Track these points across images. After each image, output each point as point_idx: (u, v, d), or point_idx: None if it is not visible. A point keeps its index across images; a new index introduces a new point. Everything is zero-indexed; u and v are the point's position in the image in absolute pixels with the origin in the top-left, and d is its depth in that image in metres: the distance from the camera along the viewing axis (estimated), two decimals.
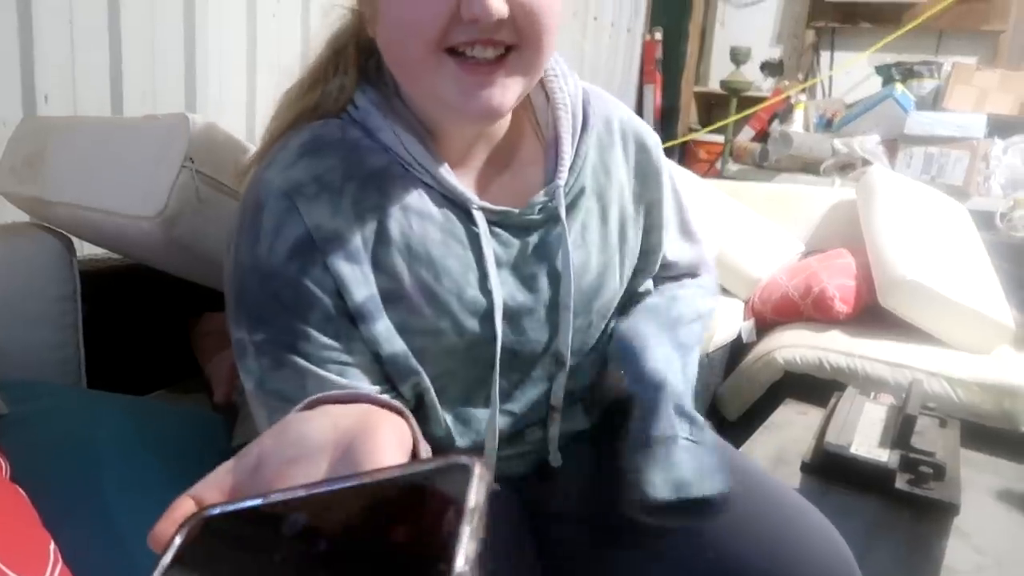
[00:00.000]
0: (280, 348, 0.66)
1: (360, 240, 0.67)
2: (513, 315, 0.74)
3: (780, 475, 1.51)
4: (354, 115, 0.71)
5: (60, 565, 0.68)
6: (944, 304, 1.89)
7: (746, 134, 3.29)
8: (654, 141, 0.83)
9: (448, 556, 0.27)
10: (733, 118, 3.27)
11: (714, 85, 3.69)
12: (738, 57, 3.38)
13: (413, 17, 0.62)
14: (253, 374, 0.67)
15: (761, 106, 3.32)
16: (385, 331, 0.69)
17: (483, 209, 0.71)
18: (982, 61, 3.26)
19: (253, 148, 1.18)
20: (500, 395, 0.74)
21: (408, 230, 0.69)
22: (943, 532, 1.07)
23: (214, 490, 0.37)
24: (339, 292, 0.67)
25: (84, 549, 0.75)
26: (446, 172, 0.70)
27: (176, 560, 0.33)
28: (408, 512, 0.31)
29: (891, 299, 1.95)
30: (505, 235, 0.73)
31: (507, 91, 0.66)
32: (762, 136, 3.20)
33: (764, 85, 3.56)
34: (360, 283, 0.67)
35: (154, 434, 0.97)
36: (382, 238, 0.68)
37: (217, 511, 0.35)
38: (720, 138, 3.37)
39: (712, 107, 3.77)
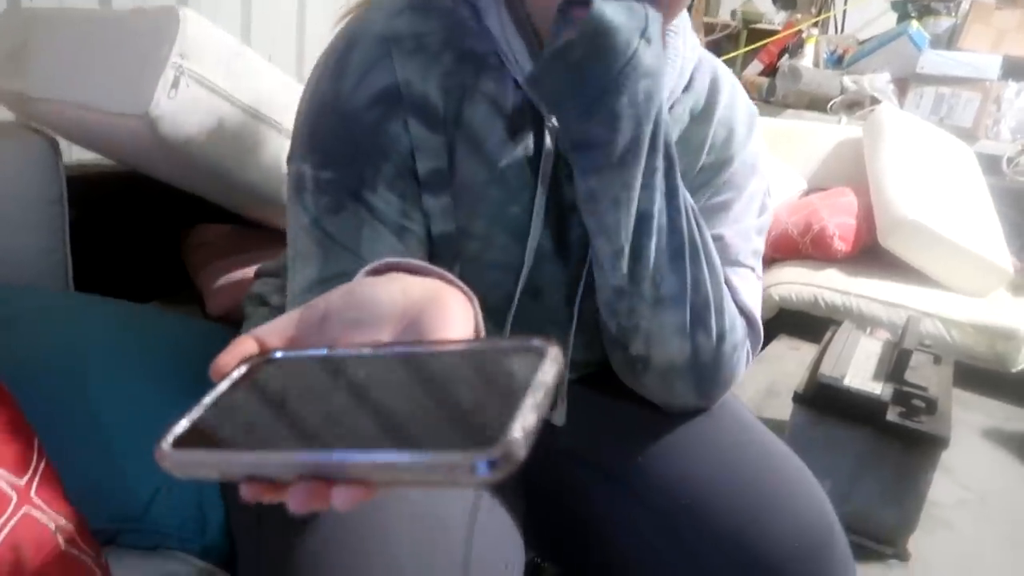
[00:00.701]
0: (344, 191, 0.65)
1: (442, 110, 0.66)
2: (543, 251, 0.71)
3: (771, 407, 1.53)
4: None
5: (44, 461, 0.67)
6: (944, 246, 1.88)
7: (755, 68, 3.21)
8: (741, 141, 0.78)
9: (504, 423, 0.26)
10: (743, 50, 3.19)
11: (725, 15, 3.58)
12: None
13: None
14: (309, 211, 0.66)
15: (772, 39, 3.23)
16: (442, 207, 0.68)
17: (557, 132, 0.67)
18: (1002, 1, 3.16)
19: (248, 48, 1.14)
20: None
21: (481, 122, 0.67)
22: (930, 465, 1.08)
23: (276, 337, 0.37)
24: (412, 154, 0.66)
25: (69, 446, 0.74)
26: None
27: (232, 390, 0.34)
28: (475, 384, 0.31)
29: (891, 239, 1.94)
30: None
31: None
32: (771, 70, 3.12)
33: (776, 18, 3.46)
34: (433, 152, 0.66)
35: (145, 337, 0.96)
36: (459, 119, 0.67)
37: (280, 355, 0.36)
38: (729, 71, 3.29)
39: (721, 39, 3.67)
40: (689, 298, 0.69)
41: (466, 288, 0.42)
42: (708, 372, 0.73)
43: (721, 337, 0.71)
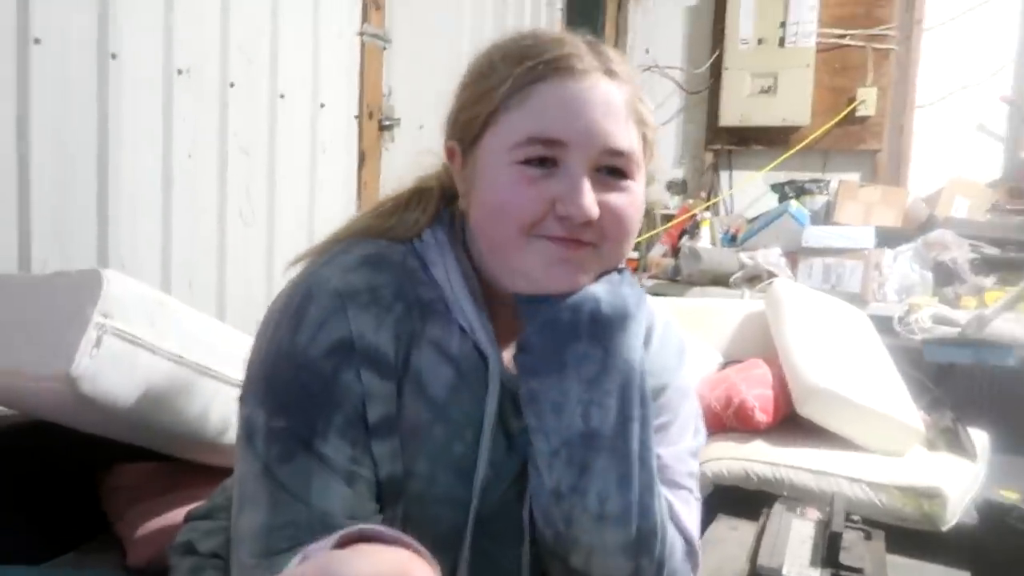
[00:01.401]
0: (296, 440, 0.66)
1: (393, 359, 0.69)
2: (491, 480, 0.74)
3: None
4: (417, 247, 0.75)
5: None
6: (856, 410, 1.96)
7: (659, 250, 3.44)
8: (673, 369, 0.86)
9: None
10: (646, 235, 3.43)
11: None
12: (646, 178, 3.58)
13: (512, 204, 0.68)
14: (260, 457, 0.67)
15: (671, 224, 3.49)
16: (390, 451, 0.70)
17: (504, 372, 0.74)
18: (864, 177, 3.55)
19: (168, 296, 1.17)
20: (467, 565, 0.73)
21: (426, 366, 0.71)
22: None
23: None
24: (363, 402, 0.68)
25: None
26: (481, 324, 0.73)
27: None
28: None
29: (806, 408, 2.02)
30: (516, 398, 0.75)
31: (584, 274, 0.72)
32: (675, 251, 3.35)
33: (671, 203, 3.76)
34: (383, 399, 0.69)
35: None
36: (407, 364, 0.70)
37: None
38: (635, 254, 3.51)
39: None
40: (636, 522, 0.71)
41: (430, 558, 0.45)
42: None
43: (661, 564, 0.73)
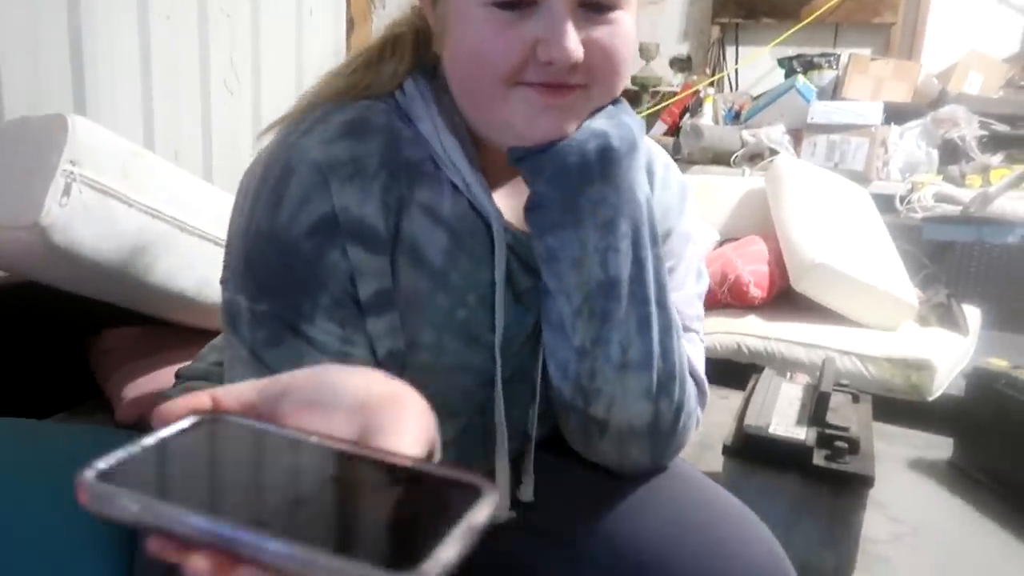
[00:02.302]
0: (281, 324, 0.64)
1: (383, 230, 0.66)
2: (505, 343, 0.71)
3: (704, 460, 1.53)
4: (400, 100, 0.70)
5: None
6: (852, 285, 1.96)
7: (659, 128, 3.34)
8: (676, 213, 0.81)
9: (426, 552, 0.27)
10: (646, 112, 3.32)
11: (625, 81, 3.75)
12: (647, 54, 3.44)
13: (487, 52, 0.62)
14: (246, 342, 0.65)
15: (672, 101, 3.38)
16: (388, 326, 0.67)
17: (506, 230, 0.69)
18: (876, 52, 3.41)
19: (148, 151, 1.12)
20: (472, 426, 0.72)
21: (419, 233, 0.67)
22: (860, 505, 1.10)
23: (233, 399, 0.37)
24: (352, 279, 0.65)
25: None
26: (477, 180, 0.68)
27: (172, 439, 0.34)
28: (409, 505, 0.31)
29: (802, 282, 2.01)
30: (520, 256, 0.71)
31: (572, 122, 0.66)
32: (674, 130, 3.26)
33: (674, 80, 3.63)
34: (375, 275, 0.66)
35: (51, 456, 0.90)
36: (398, 234, 0.66)
37: (231, 418, 0.36)
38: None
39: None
40: (656, 366, 0.70)
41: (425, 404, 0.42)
42: (664, 439, 0.74)
43: (680, 406, 0.72)
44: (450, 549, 0.28)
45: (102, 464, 0.31)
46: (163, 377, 1.17)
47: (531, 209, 0.68)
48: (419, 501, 0.31)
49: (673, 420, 0.72)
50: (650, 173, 0.79)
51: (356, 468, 0.33)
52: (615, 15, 0.64)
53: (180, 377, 0.95)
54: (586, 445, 0.75)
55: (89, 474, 0.30)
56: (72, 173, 0.92)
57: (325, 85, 0.73)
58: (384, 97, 0.71)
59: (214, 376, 0.89)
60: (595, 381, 0.70)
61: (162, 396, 0.94)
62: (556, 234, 0.67)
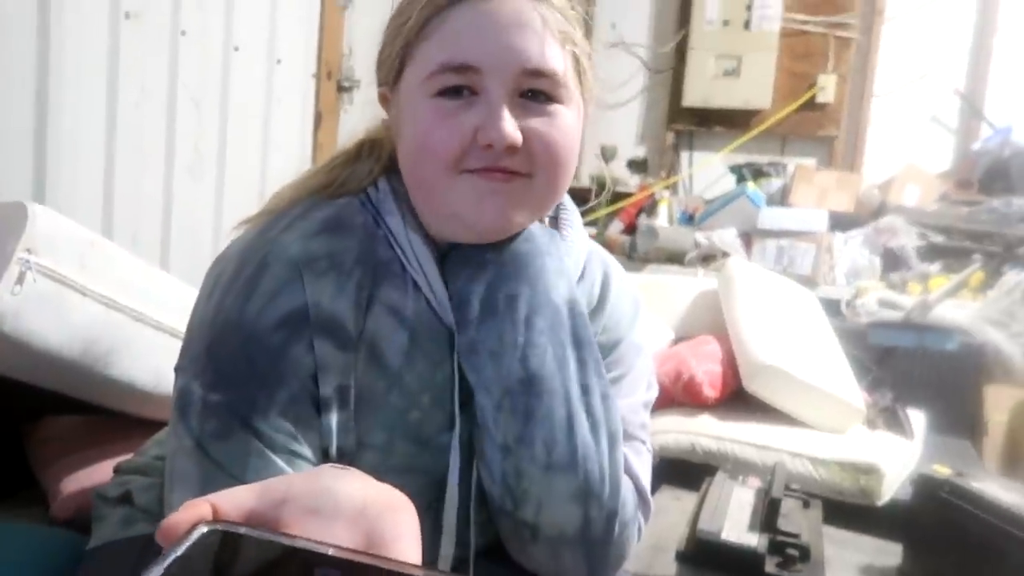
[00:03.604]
0: (233, 416, 0.63)
1: (352, 327, 0.66)
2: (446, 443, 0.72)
3: (657, 564, 1.51)
4: (372, 196, 0.72)
5: None
6: (802, 388, 2.00)
7: (616, 227, 3.44)
8: (628, 324, 0.83)
9: None
10: (604, 211, 3.42)
11: (585, 181, 3.87)
12: (606, 155, 3.57)
13: (431, 140, 0.65)
14: (192, 432, 0.63)
15: (628, 201, 3.50)
16: (343, 423, 0.67)
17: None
18: (821, 163, 3.60)
19: (105, 239, 1.12)
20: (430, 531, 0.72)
21: (381, 331, 0.68)
22: None
23: (233, 507, 0.36)
24: (315, 376, 0.65)
25: None
26: (438, 282, 0.70)
27: (194, 558, 0.33)
28: None
29: (753, 384, 2.05)
30: None
31: (517, 208, 0.68)
32: (631, 229, 3.35)
33: (631, 181, 3.76)
34: (338, 371, 0.66)
35: None
36: (363, 332, 0.67)
37: (242, 531, 0.34)
38: (593, 230, 3.51)
39: (585, 201, 3.94)
40: (582, 468, 0.70)
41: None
42: (598, 547, 0.73)
43: (612, 514, 0.72)
44: None
45: None
46: (102, 472, 1.13)
47: (456, 306, 0.70)
48: None
49: (605, 527, 0.72)
50: (605, 284, 0.82)
51: None
52: (554, 108, 0.67)
53: (118, 471, 0.92)
54: (520, 551, 0.75)
55: None
56: (28, 262, 0.91)
57: (305, 180, 0.76)
58: (358, 195, 0.73)
59: (153, 470, 0.87)
60: (522, 482, 0.70)
61: (99, 493, 0.90)
62: (475, 327, 0.69)
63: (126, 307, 1.05)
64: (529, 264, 0.70)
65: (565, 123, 0.68)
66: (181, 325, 1.16)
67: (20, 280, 0.90)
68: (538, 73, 0.65)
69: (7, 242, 0.91)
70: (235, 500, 0.37)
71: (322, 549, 0.34)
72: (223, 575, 0.33)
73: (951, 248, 2.79)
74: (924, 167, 3.30)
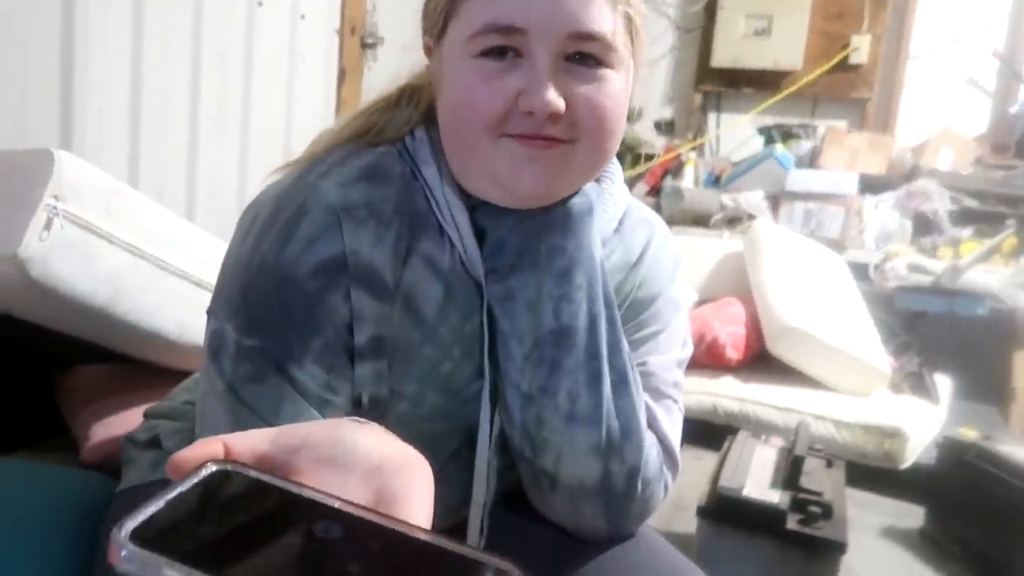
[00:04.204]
0: (267, 361, 0.63)
1: (390, 278, 0.66)
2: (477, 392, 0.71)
3: (678, 522, 1.52)
4: (408, 145, 0.71)
5: None
6: (826, 351, 1.98)
7: (640, 189, 3.40)
8: (667, 279, 0.81)
9: None
10: (629, 173, 3.39)
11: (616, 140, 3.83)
12: (632, 116, 3.52)
13: (472, 101, 0.63)
14: (225, 375, 0.63)
15: (654, 162, 3.45)
16: (376, 372, 0.67)
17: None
18: (852, 125, 3.51)
19: (130, 188, 1.12)
20: (446, 474, 0.72)
21: (418, 283, 0.68)
22: (832, 571, 1.09)
23: (246, 448, 0.36)
24: (350, 325, 0.65)
25: None
26: (470, 235, 0.69)
27: (197, 494, 0.32)
28: None
29: (778, 346, 2.03)
30: None
31: (559, 176, 0.66)
32: (656, 191, 3.31)
33: (657, 143, 3.70)
34: (374, 321, 0.65)
35: (6, 491, 0.88)
36: (400, 283, 0.66)
37: (255, 474, 0.34)
38: None
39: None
40: (605, 423, 0.70)
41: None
42: (619, 501, 0.73)
43: (634, 469, 0.71)
44: None
45: (132, 523, 0.30)
46: (131, 418, 1.15)
47: (491, 253, 0.69)
48: None
49: (627, 482, 0.71)
50: (647, 238, 0.81)
51: (399, 548, 0.33)
52: (603, 72, 0.65)
53: (148, 416, 0.94)
54: (540, 499, 0.75)
55: (124, 535, 0.29)
56: (55, 208, 0.91)
57: (344, 125, 0.75)
58: (395, 143, 0.72)
59: (181, 415, 0.88)
60: (542, 430, 0.70)
61: (129, 437, 0.92)
62: (514, 276, 0.68)
63: (151, 256, 1.06)
64: (576, 218, 0.69)
65: (613, 88, 0.65)
66: (206, 275, 1.18)
67: (48, 226, 0.90)
68: (586, 36, 0.63)
69: (34, 188, 0.91)
70: (249, 442, 0.37)
71: (329, 501, 0.33)
72: (224, 516, 0.33)
73: (984, 213, 2.73)
74: (959, 130, 3.21)
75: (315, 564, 0.31)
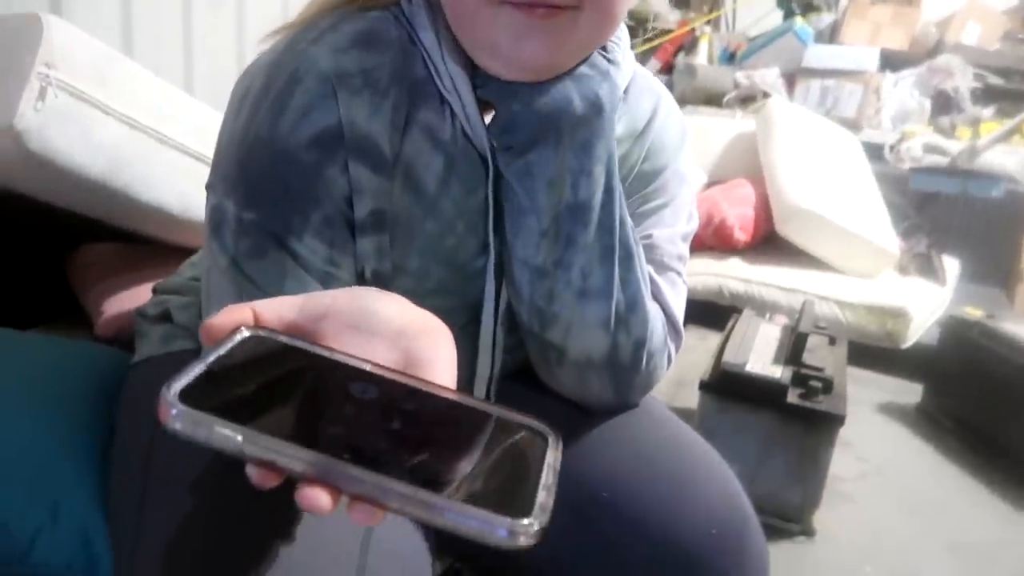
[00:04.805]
0: (268, 236, 0.62)
1: (388, 150, 0.63)
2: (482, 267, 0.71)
3: (681, 396, 1.56)
4: (405, 9, 0.66)
5: None
6: (835, 232, 1.97)
7: (652, 66, 3.29)
8: (673, 152, 0.78)
9: (530, 499, 0.29)
10: (640, 49, 3.26)
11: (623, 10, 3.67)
12: None
13: None
14: (227, 250, 0.62)
15: (667, 37, 3.32)
16: (378, 247, 0.66)
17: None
18: None
19: (124, 57, 1.08)
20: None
21: (418, 155, 0.65)
22: (829, 442, 1.12)
23: (274, 316, 0.36)
24: (349, 198, 0.63)
25: None
26: (473, 105, 0.66)
27: (235, 358, 0.34)
28: (494, 451, 0.32)
29: (786, 227, 2.02)
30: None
31: (562, 46, 0.62)
32: (668, 68, 3.20)
33: (670, 17, 3.55)
34: (374, 194, 0.64)
35: (19, 364, 0.90)
36: (399, 155, 0.64)
37: (285, 339, 0.35)
38: None
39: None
40: (615, 295, 0.70)
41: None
42: (626, 373, 0.74)
43: (640, 341, 0.72)
44: (545, 495, 0.30)
45: (179, 384, 0.31)
46: (142, 293, 1.15)
47: (504, 129, 0.66)
48: (503, 448, 0.33)
49: (633, 354, 0.72)
50: (653, 108, 0.78)
51: (433, 408, 0.34)
52: None
53: (156, 291, 0.94)
54: (547, 373, 0.76)
55: (172, 395, 0.30)
56: (47, 76, 0.88)
57: None
58: (390, 7, 0.68)
59: (189, 290, 0.88)
60: (552, 304, 0.69)
61: (140, 312, 0.93)
62: (534, 151, 0.66)
63: (149, 128, 1.03)
64: (591, 85, 0.65)
65: None
66: (206, 149, 1.15)
67: (42, 95, 0.88)
68: None
69: (23, 55, 0.88)
70: (277, 309, 0.37)
71: (360, 364, 0.34)
72: (263, 377, 0.34)
73: (1009, 91, 2.64)
74: (988, 3, 3.06)
75: (357, 421, 0.33)
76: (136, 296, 1.20)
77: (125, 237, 1.31)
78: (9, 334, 0.98)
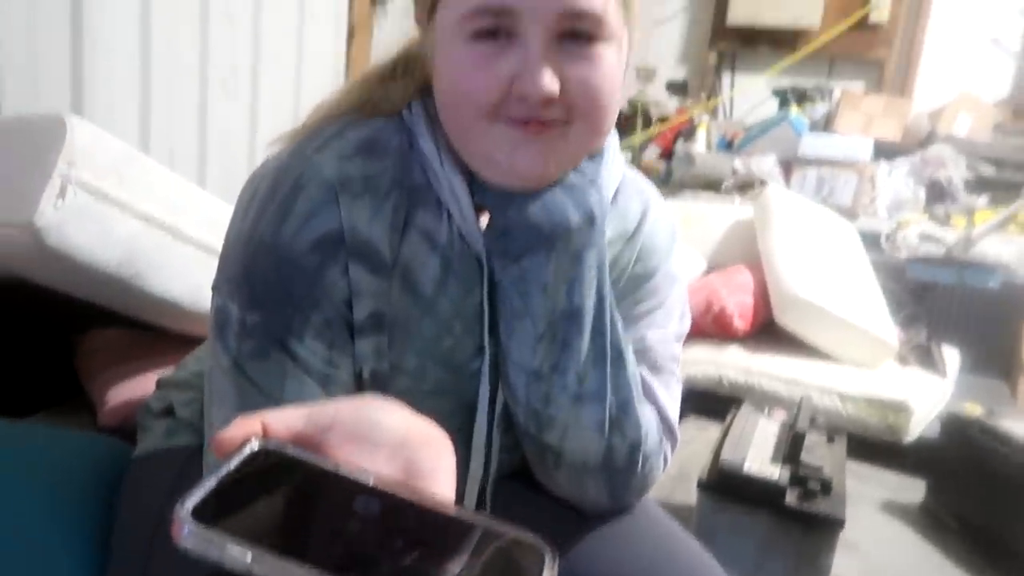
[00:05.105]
0: (270, 338, 0.64)
1: (387, 252, 0.66)
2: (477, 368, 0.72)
3: (680, 493, 1.55)
4: (406, 118, 0.70)
5: None
6: (834, 322, 1.98)
7: (652, 152, 3.37)
8: (664, 254, 0.81)
9: None
10: (640, 136, 3.35)
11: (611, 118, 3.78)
12: (645, 76, 3.47)
13: (466, 88, 0.62)
14: (230, 351, 0.64)
15: (666, 125, 3.41)
16: (376, 347, 0.68)
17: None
18: (870, 86, 3.46)
19: (142, 154, 1.12)
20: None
21: (415, 257, 0.68)
22: (830, 546, 1.11)
23: (283, 427, 0.37)
24: (349, 301, 0.65)
25: None
26: (469, 208, 0.69)
27: (246, 472, 0.35)
28: (488, 566, 0.33)
29: (785, 317, 2.03)
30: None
31: (555, 157, 0.65)
32: (668, 154, 3.28)
33: (669, 104, 3.66)
34: (373, 296, 0.66)
35: (26, 457, 0.90)
36: (397, 257, 0.67)
37: (290, 451, 0.36)
38: (628, 155, 3.45)
39: (620, 125, 3.85)
40: (608, 400, 0.71)
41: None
42: (621, 475, 0.74)
43: (635, 444, 0.73)
44: None
45: (192, 501, 0.32)
46: (147, 383, 1.17)
47: (499, 235, 0.68)
48: (498, 561, 0.33)
49: (629, 457, 0.73)
50: (642, 211, 0.80)
51: (434, 525, 0.35)
52: (597, 49, 0.63)
53: (160, 385, 0.95)
54: (544, 475, 0.76)
55: (185, 513, 0.31)
56: (68, 175, 0.92)
57: (341, 96, 0.74)
58: (392, 116, 0.72)
59: (193, 386, 0.89)
60: (549, 407, 0.70)
61: (143, 405, 0.94)
62: (527, 258, 0.68)
63: (164, 223, 1.06)
64: (583, 195, 0.68)
65: (607, 65, 0.64)
66: (216, 240, 1.18)
67: (62, 193, 0.91)
68: (578, 15, 0.61)
69: (47, 154, 0.92)
70: (285, 420, 0.38)
71: (364, 478, 0.36)
72: (272, 494, 0.35)
73: (1001, 181, 2.70)
74: (980, 95, 3.16)
75: (360, 538, 0.33)
76: (141, 385, 1.22)
77: (133, 322, 1.33)
78: (12, 427, 0.99)
